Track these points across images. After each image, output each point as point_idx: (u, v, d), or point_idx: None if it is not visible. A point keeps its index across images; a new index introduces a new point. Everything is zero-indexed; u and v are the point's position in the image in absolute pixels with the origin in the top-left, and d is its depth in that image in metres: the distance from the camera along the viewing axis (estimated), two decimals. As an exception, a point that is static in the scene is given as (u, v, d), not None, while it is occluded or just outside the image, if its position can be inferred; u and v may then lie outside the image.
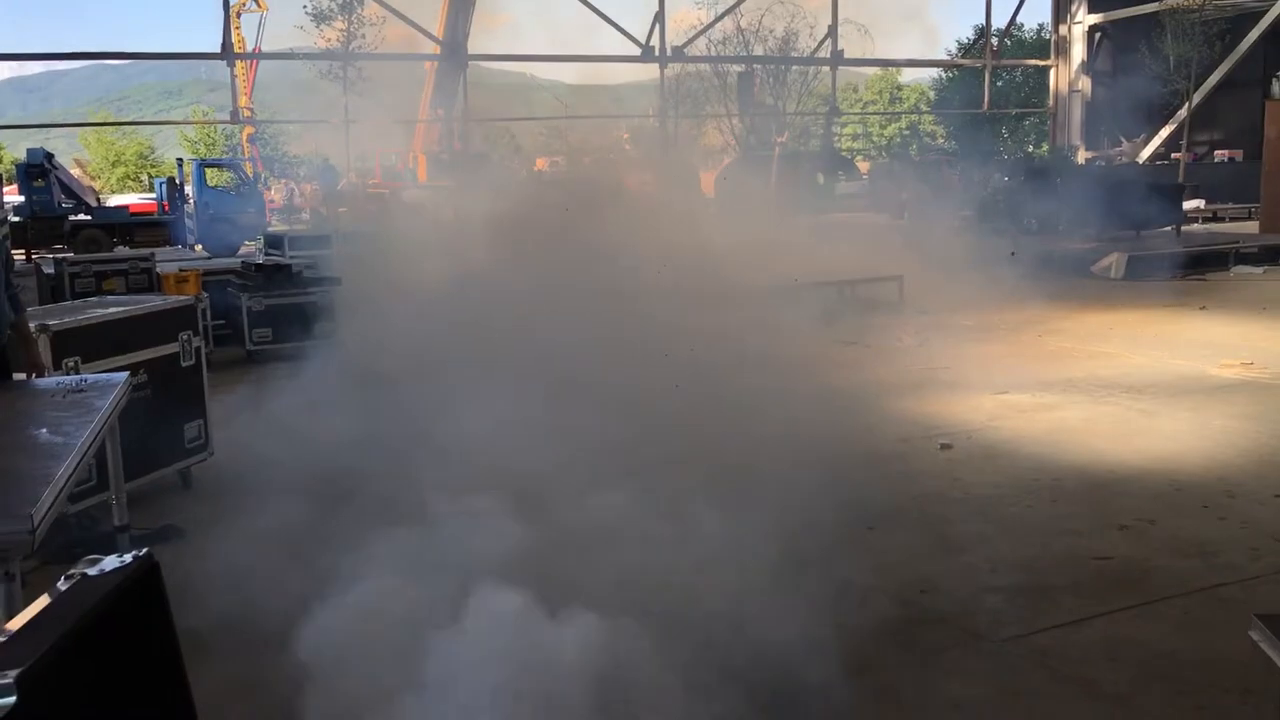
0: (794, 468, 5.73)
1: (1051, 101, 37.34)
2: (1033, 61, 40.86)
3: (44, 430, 3.60)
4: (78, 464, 3.30)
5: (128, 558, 1.22)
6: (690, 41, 32.94)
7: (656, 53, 31.28)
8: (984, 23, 36.35)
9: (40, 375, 5.04)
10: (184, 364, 6.39)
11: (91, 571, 1.21)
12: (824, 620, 4.18)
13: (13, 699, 0.93)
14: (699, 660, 3.67)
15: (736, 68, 35.29)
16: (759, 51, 34.94)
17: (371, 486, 5.75)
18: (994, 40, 36.21)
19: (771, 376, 7.18)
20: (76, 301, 7.19)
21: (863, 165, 41.58)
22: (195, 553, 5.46)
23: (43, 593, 2.92)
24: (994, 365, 9.00)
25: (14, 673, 0.94)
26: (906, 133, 59.32)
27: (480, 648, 3.49)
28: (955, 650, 4.01)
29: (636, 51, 31.39)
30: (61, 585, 1.19)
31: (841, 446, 6.45)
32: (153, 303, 6.51)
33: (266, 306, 10.48)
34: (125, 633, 1.18)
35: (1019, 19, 39.80)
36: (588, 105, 35.99)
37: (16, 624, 1.09)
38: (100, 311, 6.07)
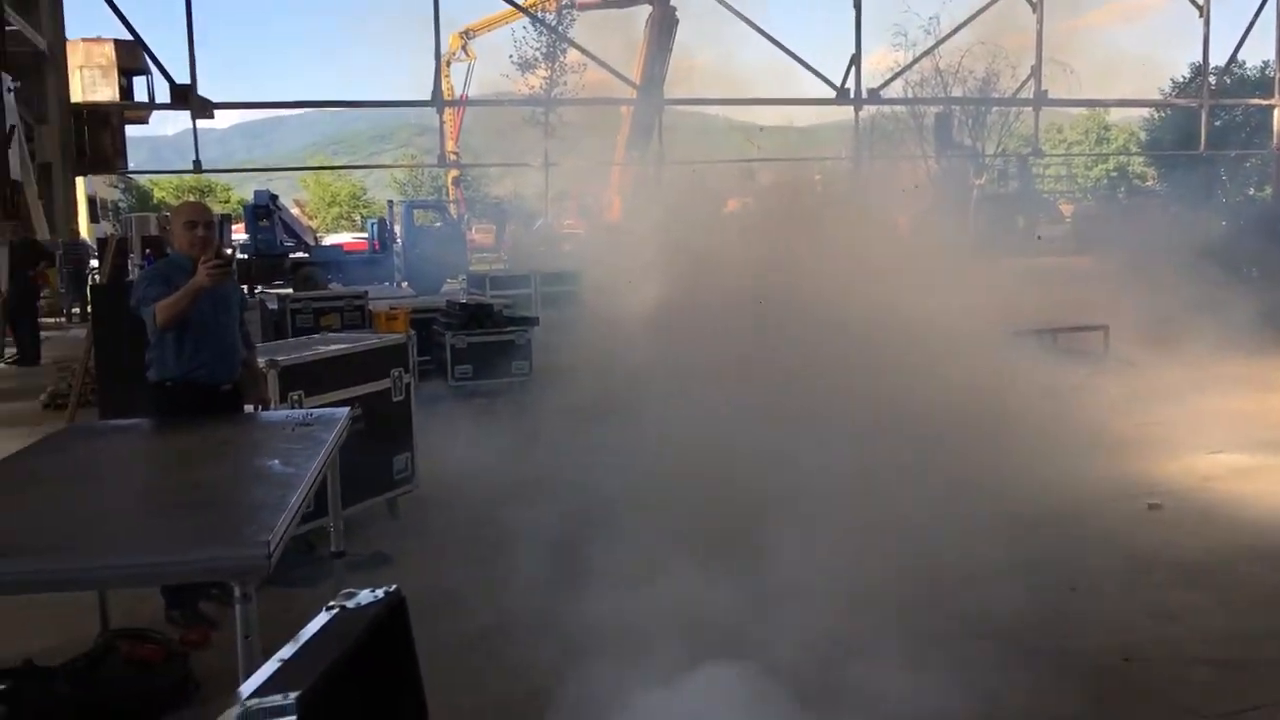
0: (990, 520, 5.63)
1: (1276, 143, 35.21)
2: (1255, 101, 38.64)
3: (276, 461, 3.89)
4: (306, 493, 3.55)
5: (380, 592, 1.34)
6: (887, 84, 32.68)
7: (852, 95, 31.15)
8: (1201, 59, 34.71)
9: (266, 408, 5.42)
10: (395, 399, 6.74)
11: (349, 604, 1.33)
12: (1017, 683, 4.09)
13: (294, 718, 1.05)
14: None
15: (934, 109, 34.77)
16: (958, 93, 34.35)
17: (566, 520, 5.95)
18: (1212, 78, 34.49)
19: (969, 426, 7.04)
20: (301, 339, 7.68)
21: (1066, 208, 40.14)
22: (401, 579, 5.75)
23: (266, 614, 3.18)
24: (1209, 422, 8.54)
25: (295, 694, 1.06)
26: (1114, 174, 56.92)
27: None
28: (1164, 725, 3.84)
29: (831, 94, 31.35)
30: (324, 617, 1.32)
31: (1043, 501, 6.26)
32: (369, 341, 6.90)
33: (469, 344, 10.92)
34: (380, 661, 1.29)
35: (1240, 55, 37.69)
36: (779, 147, 36.04)
37: (288, 652, 1.22)
38: (322, 349, 6.48)
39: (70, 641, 4.94)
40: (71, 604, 5.35)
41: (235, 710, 1.04)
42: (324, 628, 1.26)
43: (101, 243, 18.43)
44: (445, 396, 10.50)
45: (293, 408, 5.67)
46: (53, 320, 18.98)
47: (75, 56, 29.23)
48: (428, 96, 29.35)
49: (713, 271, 10.27)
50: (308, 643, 1.22)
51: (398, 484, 6.82)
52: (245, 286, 20.88)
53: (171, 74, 27.28)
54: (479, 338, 10.99)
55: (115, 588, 4.63)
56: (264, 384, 5.56)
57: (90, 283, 17.47)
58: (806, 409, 7.16)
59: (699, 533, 5.33)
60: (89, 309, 10.79)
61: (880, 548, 5.03)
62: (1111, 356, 11.86)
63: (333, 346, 6.64)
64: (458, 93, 36.22)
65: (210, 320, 4.99)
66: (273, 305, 12.21)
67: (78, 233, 24.35)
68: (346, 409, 4.96)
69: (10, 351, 14.93)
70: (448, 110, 34.13)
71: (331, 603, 1.34)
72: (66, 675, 4.30)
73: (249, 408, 5.32)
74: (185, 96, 27.21)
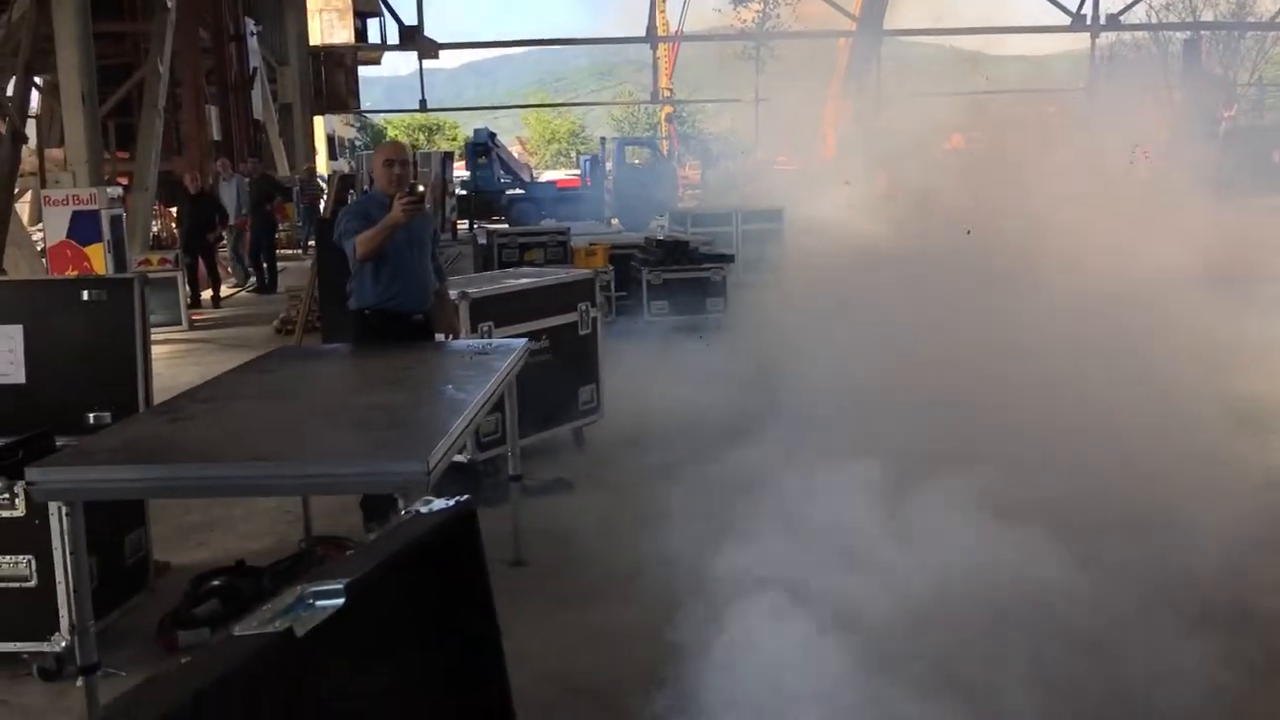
0: (1206, 499, 5.30)
1: None
2: None
3: (449, 386, 4.15)
4: (472, 418, 3.78)
5: (451, 501, 1.48)
6: (1128, 8, 30.63)
7: (1088, 20, 29.38)
8: None
9: (456, 337, 5.73)
10: (581, 332, 6.97)
11: (423, 509, 1.48)
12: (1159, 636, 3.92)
13: (341, 600, 1.20)
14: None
15: (1180, 35, 32.39)
16: (1208, 16, 31.86)
17: (745, 456, 6.02)
18: None
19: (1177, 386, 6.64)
20: (495, 272, 8.02)
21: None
22: (581, 505, 6.03)
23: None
24: None
25: (345, 580, 1.21)
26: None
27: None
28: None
29: (1065, 20, 29.66)
30: (400, 517, 1.47)
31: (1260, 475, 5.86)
32: (557, 276, 7.16)
33: (664, 280, 11.10)
34: (442, 562, 1.44)
35: None
36: (1009, 78, 34.40)
37: (363, 546, 1.38)
38: (512, 283, 6.77)
39: (278, 545, 5.44)
40: (282, 515, 5.88)
41: (292, 593, 1.20)
42: (394, 528, 1.41)
43: (330, 179, 19.58)
44: (640, 331, 10.74)
45: (481, 338, 5.97)
46: (290, 252, 20.35)
47: (314, 1, 30.85)
48: (643, 33, 29.51)
49: (928, 210, 10.02)
50: (375, 540, 1.38)
51: (583, 414, 7.07)
52: (466, 222, 21.77)
53: (400, 16, 28.43)
54: (675, 274, 11.14)
55: (295, 494, 5.02)
56: (454, 314, 5.87)
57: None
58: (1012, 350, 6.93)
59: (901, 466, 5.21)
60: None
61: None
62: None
63: (522, 280, 6.92)
64: (672, 28, 36.23)
65: (404, 252, 5.30)
66: (482, 240, 12.72)
67: (314, 169, 25.88)
68: (524, 339, 5.19)
69: (251, 280, 16.13)
70: (662, 46, 34.25)
71: (408, 508, 1.49)
72: (271, 574, 4.74)
73: (439, 336, 5.64)
74: (412, 37, 28.37)
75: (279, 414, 3.87)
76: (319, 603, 1.19)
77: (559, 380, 6.75)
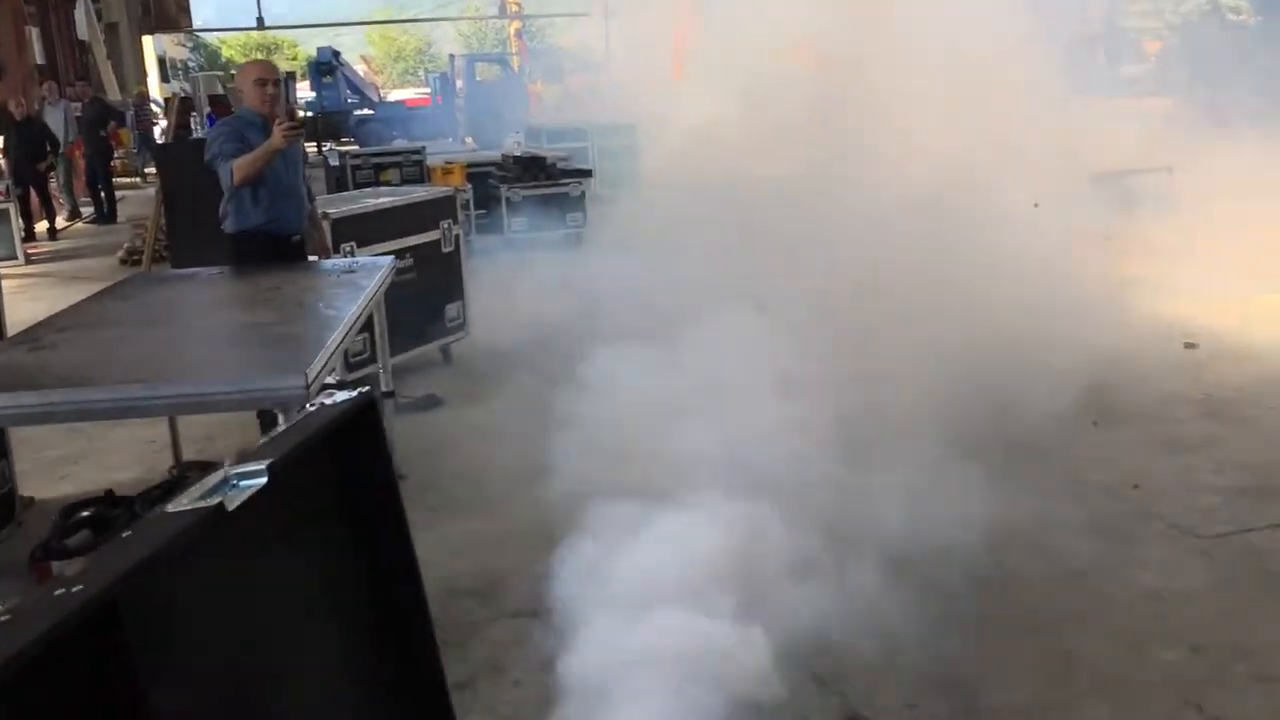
0: (1027, 362, 5.74)
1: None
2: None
3: (320, 304, 4.16)
4: (345, 333, 3.82)
5: (354, 393, 1.57)
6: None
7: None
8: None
9: (327, 257, 5.69)
10: (445, 250, 6.97)
11: (328, 401, 1.57)
12: (1028, 507, 4.31)
13: (264, 480, 1.29)
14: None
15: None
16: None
17: (608, 363, 6.18)
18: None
19: (1007, 270, 7.07)
20: (354, 192, 7.92)
21: (1151, 46, 38.35)
22: (452, 419, 6.11)
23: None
24: (1263, 265, 8.41)
25: (266, 462, 1.29)
26: (1206, 7, 54.07)
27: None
28: (1159, 543, 4.03)
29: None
30: (308, 408, 1.55)
31: (1078, 341, 6.33)
32: (417, 194, 7.12)
33: (524, 197, 11.09)
34: (350, 447, 1.53)
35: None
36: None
37: (272, 434, 1.46)
38: (372, 202, 6.71)
39: (146, 474, 5.38)
40: (148, 445, 5.80)
41: (218, 474, 1.28)
42: (304, 418, 1.49)
43: (166, 103, 18.74)
44: (501, 248, 10.74)
45: (344, 257, 5.93)
46: (128, 180, 19.47)
47: (134, -87, 29.10)
48: (488, -55, 28.77)
49: (779, 130, 10.23)
50: (287, 428, 1.46)
51: (450, 332, 7.11)
52: (313, 144, 21.16)
53: (230, -71, 27.05)
54: (534, 190, 11.14)
55: (171, 415, 4.96)
56: (324, 234, 5.83)
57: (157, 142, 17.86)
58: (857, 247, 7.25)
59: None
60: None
61: (913, 377, 5.19)
62: (1178, 199, 11.63)
63: (383, 200, 6.86)
64: (518, -60, 35.45)
65: (283, 175, 5.25)
66: (335, 161, 12.44)
67: (146, 93, 24.68)
68: (390, 258, 5.20)
69: (88, 211, 15.44)
70: (508, -41, 33.49)
71: (314, 401, 1.57)
72: (143, 502, 4.69)
73: (313, 257, 5.61)
74: (244, -49, 27.06)
75: (148, 338, 3.83)
76: (243, 483, 1.28)
77: (425, 298, 6.76)
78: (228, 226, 5.26)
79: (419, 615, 1.59)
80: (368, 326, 5.17)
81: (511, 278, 8.97)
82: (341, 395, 1.57)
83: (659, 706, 3.00)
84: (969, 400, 5.17)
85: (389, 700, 1.57)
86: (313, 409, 1.55)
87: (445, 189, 7.38)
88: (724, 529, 3.74)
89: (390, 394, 5.23)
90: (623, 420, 5.17)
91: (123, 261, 11.41)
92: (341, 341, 3.74)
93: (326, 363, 3.45)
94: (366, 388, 1.60)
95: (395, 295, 6.41)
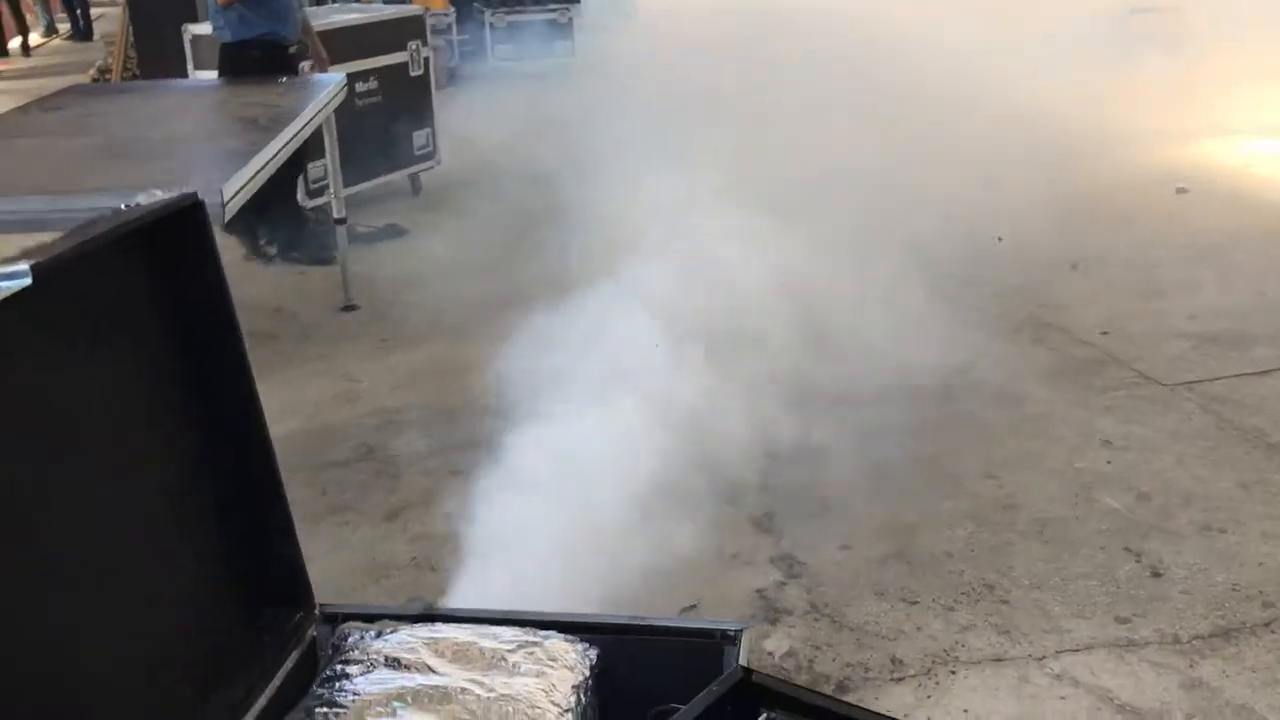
0: (1013, 204, 5.57)
1: None
2: None
3: (255, 120, 3.95)
4: (276, 154, 3.62)
5: (174, 193, 1.40)
6: None
7: None
8: None
9: (324, 69, 5.49)
10: (413, 73, 6.67)
11: (143, 199, 1.41)
12: (991, 349, 4.20)
13: (28, 280, 1.14)
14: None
15: None
16: None
17: (582, 202, 5.98)
18: None
19: (1002, 116, 6.80)
20: (318, 8, 7.54)
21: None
22: (413, 250, 5.95)
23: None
24: (1263, 109, 8.08)
25: (32, 261, 1.14)
26: None
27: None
28: (1119, 390, 3.92)
29: None
30: (121, 208, 1.40)
31: (1069, 184, 6.12)
32: (384, 11, 6.77)
33: (509, 23, 10.64)
34: (161, 251, 1.38)
35: None
36: None
37: (71, 232, 1.31)
38: (337, 18, 6.38)
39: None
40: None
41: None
42: (104, 219, 1.33)
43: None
44: (484, 77, 10.36)
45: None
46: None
47: None
48: None
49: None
50: (83, 226, 1.31)
51: (418, 160, 6.88)
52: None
53: None
54: (519, 15, 10.69)
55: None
56: (319, 45, 5.62)
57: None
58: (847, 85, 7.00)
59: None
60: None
61: (908, 220, 5.03)
62: (1180, 40, 11.13)
63: (350, 16, 6.53)
64: None
65: None
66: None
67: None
68: (341, 75, 4.95)
69: (64, 28, 14.93)
70: None
71: (129, 201, 1.41)
72: None
73: (306, 64, 5.43)
74: None
75: (66, 150, 3.63)
76: (3, 284, 1.13)
77: (391, 124, 6.51)
78: (226, 36, 5.15)
79: (256, 441, 1.47)
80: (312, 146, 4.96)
81: (490, 107, 8.65)
82: (159, 193, 1.41)
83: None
84: (944, 239, 5.02)
85: (220, 534, 1.46)
86: (126, 209, 1.39)
87: (413, 8, 7.02)
88: (674, 362, 3.63)
89: (343, 220, 5.05)
90: (590, 252, 5.02)
91: (94, 80, 11.03)
92: (271, 161, 3.55)
93: (249, 182, 3.27)
94: (194, 190, 1.43)
95: (358, 120, 6.18)
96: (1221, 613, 2.76)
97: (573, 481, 3.01)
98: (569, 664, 1.45)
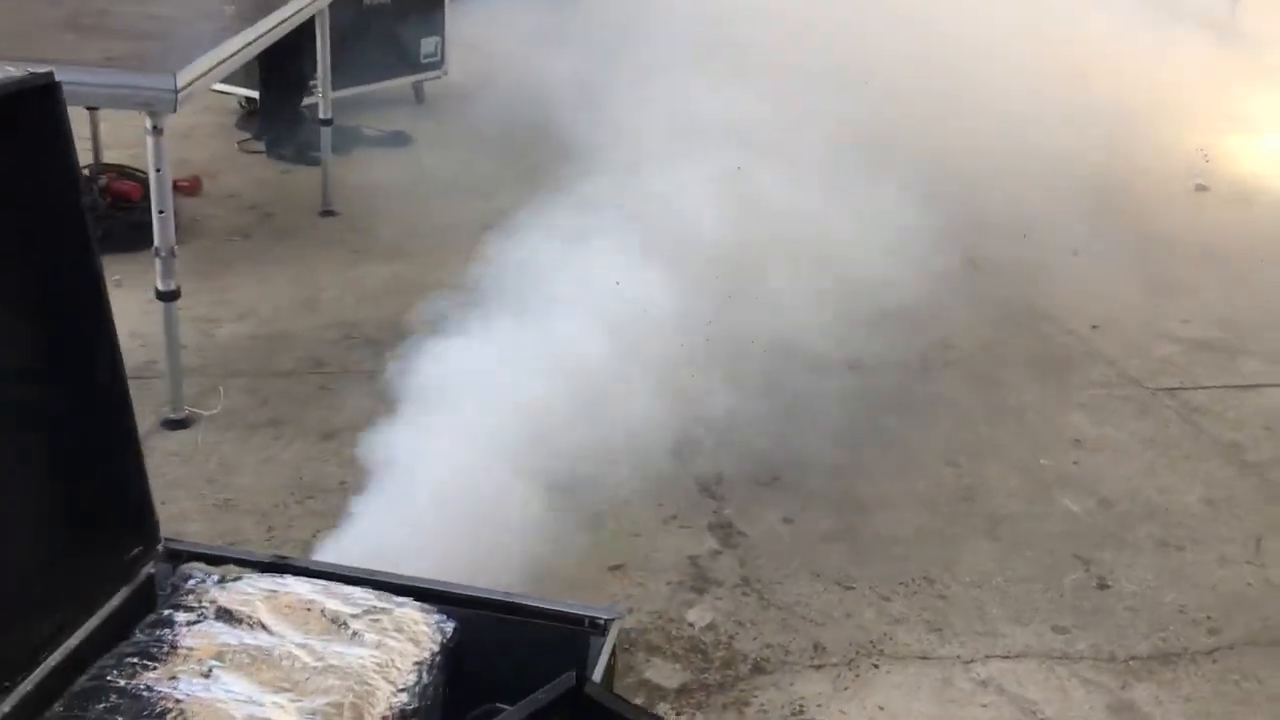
0: (1026, 186, 5.35)
1: None
2: None
3: (235, 6, 3.77)
4: (250, 43, 3.45)
5: (25, 70, 1.26)
6: None
7: None
8: None
9: None
10: (424, -24, 6.45)
11: (-5, 76, 1.27)
12: (977, 333, 4.06)
13: None
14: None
15: None
16: None
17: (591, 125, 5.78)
18: None
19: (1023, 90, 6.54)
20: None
21: None
22: (408, 160, 5.78)
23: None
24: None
25: None
26: None
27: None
28: (1099, 389, 3.78)
29: None
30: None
31: (1085, 166, 5.90)
32: (402, -91, 6.52)
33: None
34: (18, 134, 1.24)
35: None
36: None
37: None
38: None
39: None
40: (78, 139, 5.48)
41: None
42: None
43: None
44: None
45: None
46: None
47: None
48: None
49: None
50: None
51: (425, 68, 6.67)
52: None
53: None
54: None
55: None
56: None
57: None
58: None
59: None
60: None
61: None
62: (1232, 25, 10.79)
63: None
64: None
65: None
66: None
67: None
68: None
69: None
70: None
71: (-18, 76, 1.27)
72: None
73: None
74: None
75: (25, 20, 3.46)
76: None
77: (398, 28, 6.30)
78: None
79: (103, 350, 1.34)
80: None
81: (507, 20, 8.39)
82: (10, 68, 1.26)
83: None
84: (945, 215, 4.83)
85: (52, 447, 1.34)
86: (-28, 84, 1.25)
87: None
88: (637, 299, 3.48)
89: (327, 122, 4.87)
90: (597, 180, 4.84)
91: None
92: (242, 50, 3.38)
93: (210, 71, 3.11)
94: (49, 70, 1.29)
95: (364, 20, 5.99)
96: (1164, 634, 2.65)
97: (510, 414, 2.89)
98: (415, 637, 1.33)
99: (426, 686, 1.30)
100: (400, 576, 1.43)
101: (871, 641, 2.59)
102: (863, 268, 4.01)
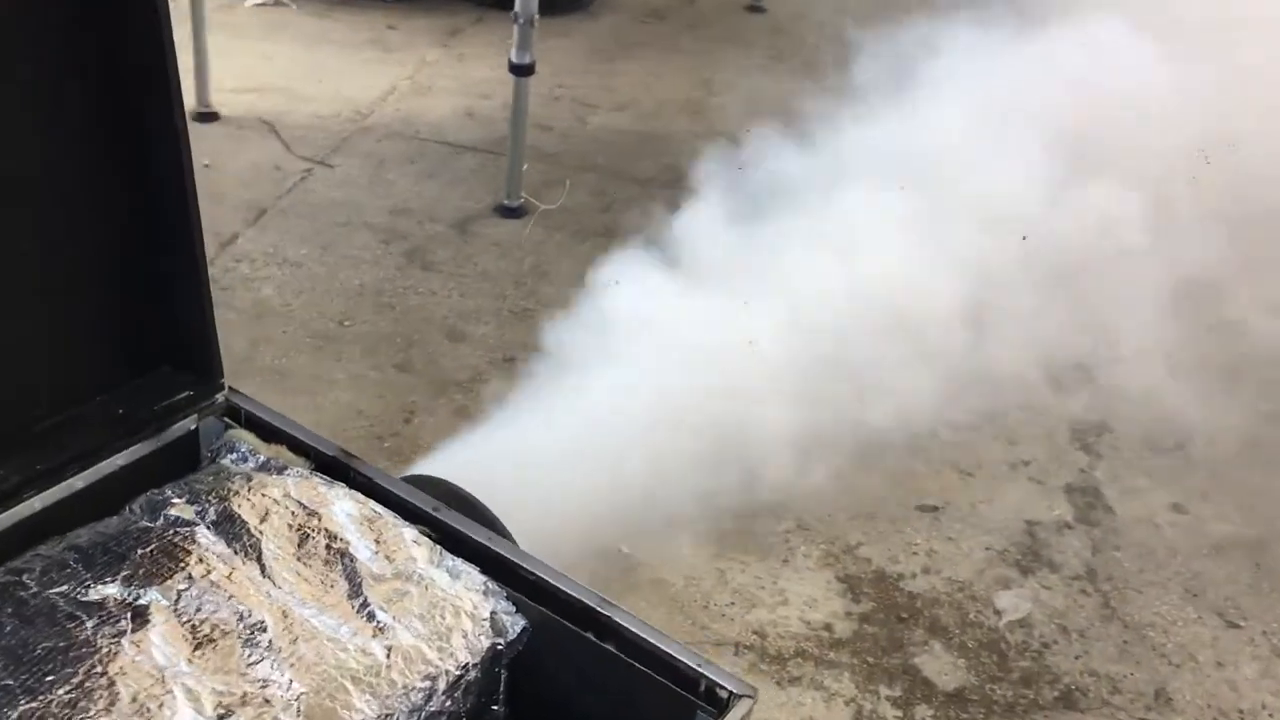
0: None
1: None
2: None
3: None
4: None
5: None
6: None
7: None
8: None
9: None
10: None
11: None
12: None
13: None
14: None
15: None
16: None
17: None
18: None
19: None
20: None
21: None
22: None
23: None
24: None
25: None
26: None
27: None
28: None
29: None
30: None
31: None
32: None
33: None
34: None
35: None
36: None
37: None
38: None
39: None
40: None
41: None
42: None
43: None
44: None
45: None
46: None
47: None
48: None
49: None
50: None
51: None
52: None
53: None
54: None
55: None
56: None
57: None
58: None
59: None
60: None
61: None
62: None
63: None
64: None
65: None
66: None
67: None
68: None
69: None
70: None
71: None
72: None
73: None
74: None
75: None
76: None
77: None
78: None
79: (175, 186, 0.99)
80: None
81: None
82: None
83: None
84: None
85: (115, 268, 1.02)
86: None
87: None
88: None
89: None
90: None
91: None
92: None
93: None
94: None
95: None
96: None
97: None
98: (449, 630, 0.91)
99: (437, 717, 0.88)
100: (484, 533, 0.99)
101: (1241, 711, 1.88)
102: None
